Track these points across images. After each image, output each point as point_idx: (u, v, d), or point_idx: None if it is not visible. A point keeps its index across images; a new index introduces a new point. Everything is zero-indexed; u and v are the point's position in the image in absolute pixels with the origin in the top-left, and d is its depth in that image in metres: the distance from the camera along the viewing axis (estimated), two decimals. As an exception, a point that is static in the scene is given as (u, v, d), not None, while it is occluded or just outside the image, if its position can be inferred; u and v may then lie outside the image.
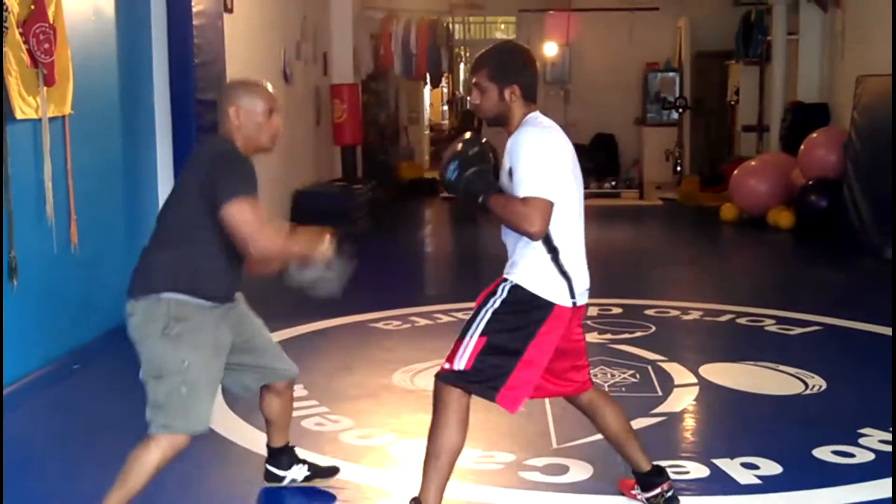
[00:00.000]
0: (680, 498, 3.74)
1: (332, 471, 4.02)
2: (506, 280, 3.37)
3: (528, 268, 3.33)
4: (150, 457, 3.31)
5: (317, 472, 3.99)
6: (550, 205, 3.20)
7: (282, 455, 3.94)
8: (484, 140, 3.42)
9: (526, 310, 3.33)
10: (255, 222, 3.23)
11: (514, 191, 3.24)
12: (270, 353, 3.74)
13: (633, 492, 3.75)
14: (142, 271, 3.44)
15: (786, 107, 13.20)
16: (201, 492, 3.97)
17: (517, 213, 3.20)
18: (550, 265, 3.31)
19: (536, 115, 3.40)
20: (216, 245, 3.35)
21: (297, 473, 3.95)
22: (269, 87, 3.55)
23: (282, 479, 3.95)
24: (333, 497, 3.93)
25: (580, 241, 3.42)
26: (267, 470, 3.96)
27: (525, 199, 3.19)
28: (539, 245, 3.29)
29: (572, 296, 3.35)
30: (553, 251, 3.31)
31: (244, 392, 3.77)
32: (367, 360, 5.82)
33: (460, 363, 3.34)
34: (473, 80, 3.43)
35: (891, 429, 4.48)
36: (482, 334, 3.33)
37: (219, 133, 3.51)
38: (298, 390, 4.98)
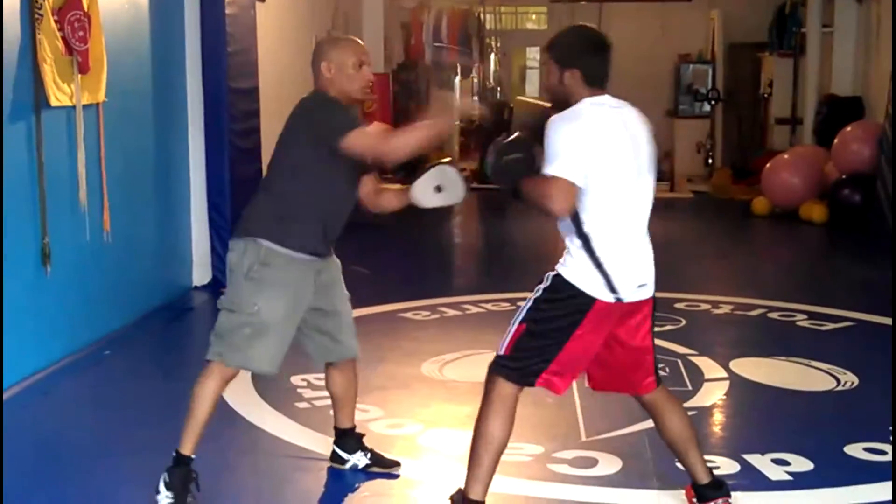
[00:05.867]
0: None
1: (394, 464, 4.04)
2: (553, 271, 3.34)
3: (569, 259, 3.29)
4: (208, 386, 3.58)
5: (379, 461, 4.02)
6: (571, 185, 3.16)
7: (347, 438, 4.01)
8: (523, 136, 3.41)
9: (565, 300, 3.27)
10: (375, 138, 3.45)
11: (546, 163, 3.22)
12: (340, 327, 3.83)
13: (693, 500, 3.64)
14: (245, 214, 3.67)
15: (820, 100, 13.08)
16: (230, 478, 3.99)
17: (538, 192, 3.21)
18: (584, 256, 3.25)
19: (590, 99, 3.31)
20: (313, 193, 3.53)
21: (360, 460, 4.00)
22: (359, 42, 3.72)
23: (345, 461, 4.01)
24: (361, 479, 3.96)
25: (628, 232, 3.31)
26: (333, 451, 4.04)
27: (545, 179, 3.17)
28: (574, 234, 3.26)
29: (612, 290, 3.27)
30: (584, 239, 3.24)
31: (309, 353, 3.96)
32: (396, 350, 5.83)
33: (502, 349, 3.34)
34: (544, 59, 3.47)
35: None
36: (522, 321, 3.31)
37: (314, 89, 3.66)
38: (328, 379, 5.00)
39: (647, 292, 3.37)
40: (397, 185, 3.88)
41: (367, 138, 3.44)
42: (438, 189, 3.72)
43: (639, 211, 3.35)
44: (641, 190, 3.34)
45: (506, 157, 3.36)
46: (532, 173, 3.29)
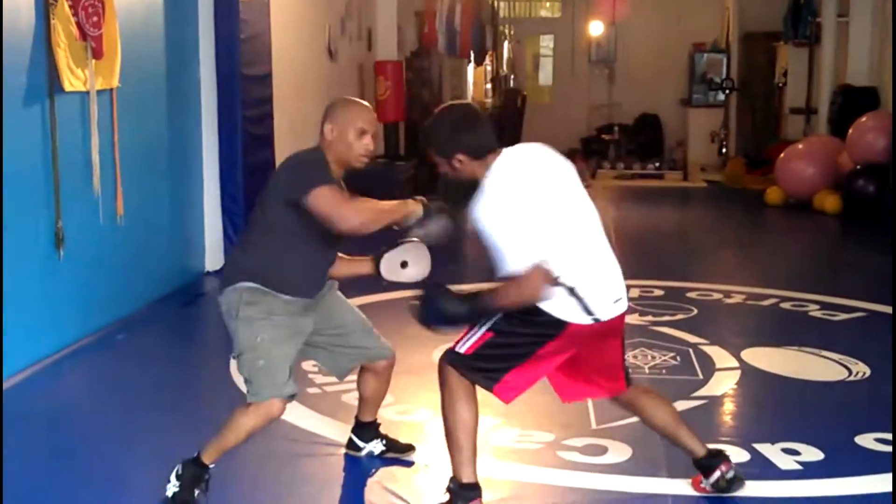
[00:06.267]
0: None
1: (409, 448, 4.08)
2: None
3: None
4: (245, 420, 3.52)
5: (393, 447, 4.06)
6: (544, 265, 3.13)
7: (367, 429, 4.04)
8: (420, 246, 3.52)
9: (537, 320, 3.27)
10: (336, 202, 3.38)
11: (499, 258, 3.18)
12: (362, 334, 3.85)
13: (703, 485, 3.66)
14: (227, 268, 3.74)
15: (835, 90, 13.01)
16: (238, 462, 3.99)
17: (522, 297, 3.18)
18: (559, 290, 3.22)
19: (493, 169, 3.28)
20: (295, 247, 3.51)
21: (375, 447, 4.04)
22: (369, 109, 3.66)
23: (360, 449, 4.04)
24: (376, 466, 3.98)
25: (590, 253, 3.32)
26: (350, 439, 4.07)
27: (519, 281, 3.14)
28: None
29: (589, 313, 3.26)
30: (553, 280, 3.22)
31: (339, 373, 3.93)
32: (406, 337, 5.79)
33: (462, 347, 3.37)
34: (428, 153, 3.44)
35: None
36: (490, 329, 3.33)
37: (316, 144, 3.63)
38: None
39: (623, 306, 3.39)
40: (354, 258, 3.85)
41: (330, 198, 3.37)
42: (405, 265, 3.76)
43: (591, 230, 3.35)
44: (583, 210, 3.34)
45: (451, 312, 3.30)
46: (480, 301, 3.25)
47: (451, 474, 3.46)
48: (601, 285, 3.31)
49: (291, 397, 3.55)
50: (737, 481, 3.63)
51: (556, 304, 3.24)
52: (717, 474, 3.61)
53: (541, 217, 3.21)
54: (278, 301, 3.52)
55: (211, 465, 3.54)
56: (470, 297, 3.33)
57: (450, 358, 3.40)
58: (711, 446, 3.72)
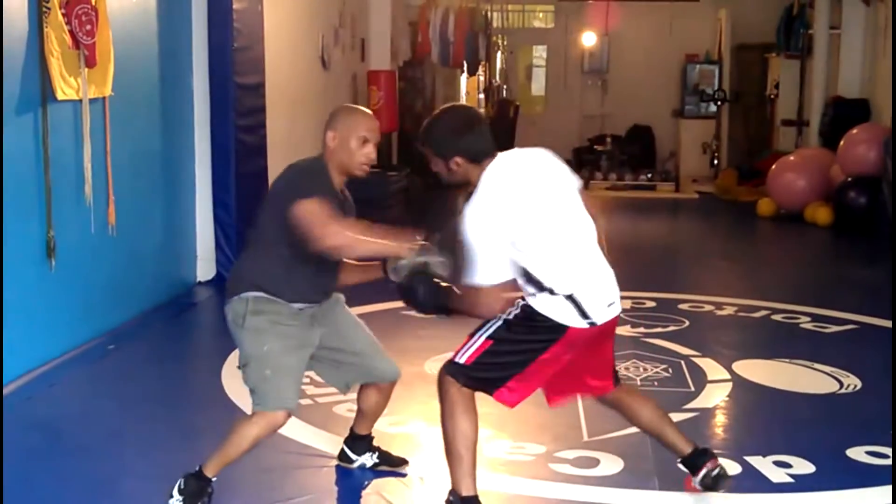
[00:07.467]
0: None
1: (402, 462, 4.06)
2: (524, 298, 3.35)
3: (538, 295, 3.30)
4: (248, 431, 3.52)
5: (386, 460, 4.05)
6: (499, 287, 3.21)
7: (360, 441, 4.03)
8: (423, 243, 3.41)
9: (538, 326, 3.31)
10: (320, 218, 3.34)
11: (470, 264, 3.23)
12: (371, 354, 3.83)
13: (693, 484, 3.71)
14: (232, 278, 3.70)
15: (826, 101, 13.06)
16: (231, 473, 3.98)
17: (471, 306, 3.28)
18: (553, 297, 3.28)
19: (487, 170, 3.33)
20: (293, 255, 3.49)
21: (367, 460, 4.03)
22: (371, 117, 3.68)
23: (352, 461, 4.03)
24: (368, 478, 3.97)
25: (584, 260, 3.35)
26: (342, 450, 4.06)
27: (473, 290, 3.22)
28: (536, 289, 3.28)
29: (585, 316, 3.30)
30: (548, 290, 3.27)
31: (343, 388, 3.90)
32: (398, 349, 5.79)
33: (462, 357, 3.38)
34: (426, 152, 3.46)
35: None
36: (489, 337, 3.36)
37: (319, 153, 3.63)
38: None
39: (616, 310, 3.43)
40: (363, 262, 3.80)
41: (314, 213, 3.32)
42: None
43: (584, 236, 3.38)
44: (576, 217, 3.37)
45: (420, 294, 3.37)
46: (446, 297, 3.33)
47: (450, 487, 3.45)
48: (596, 289, 3.35)
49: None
50: (722, 479, 3.67)
51: (555, 309, 3.28)
52: (703, 472, 3.66)
53: (528, 226, 3.24)
54: (285, 309, 3.53)
55: (213, 478, 3.54)
56: (444, 291, 3.36)
57: (450, 369, 3.40)
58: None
